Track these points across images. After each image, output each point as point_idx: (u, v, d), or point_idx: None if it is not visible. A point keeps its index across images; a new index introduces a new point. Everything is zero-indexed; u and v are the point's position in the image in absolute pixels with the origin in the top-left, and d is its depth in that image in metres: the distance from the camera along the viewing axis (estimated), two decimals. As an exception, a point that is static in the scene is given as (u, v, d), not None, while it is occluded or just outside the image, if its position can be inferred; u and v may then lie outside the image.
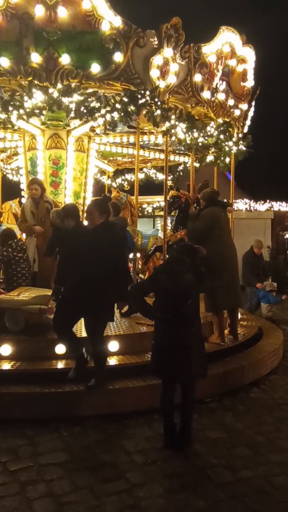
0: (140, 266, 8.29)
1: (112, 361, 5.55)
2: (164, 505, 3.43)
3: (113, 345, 5.71)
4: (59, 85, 5.47)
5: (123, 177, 11.16)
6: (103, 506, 3.39)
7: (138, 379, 5.30)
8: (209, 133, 6.62)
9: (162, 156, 9.53)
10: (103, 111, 5.70)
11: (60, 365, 5.38)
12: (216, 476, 3.87)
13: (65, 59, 5.41)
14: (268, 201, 16.32)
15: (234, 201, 11.03)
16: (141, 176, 10.42)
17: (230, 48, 6.51)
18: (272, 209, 16.29)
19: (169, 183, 10.39)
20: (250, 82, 7.09)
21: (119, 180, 11.17)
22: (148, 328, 6.18)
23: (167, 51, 5.69)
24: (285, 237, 16.13)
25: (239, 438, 4.59)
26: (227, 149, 7.11)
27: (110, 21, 5.38)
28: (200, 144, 6.65)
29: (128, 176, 11.11)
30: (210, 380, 5.61)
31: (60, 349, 5.52)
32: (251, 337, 7.10)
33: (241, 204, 15.89)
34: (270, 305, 9.34)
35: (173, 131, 6.11)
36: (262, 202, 16.29)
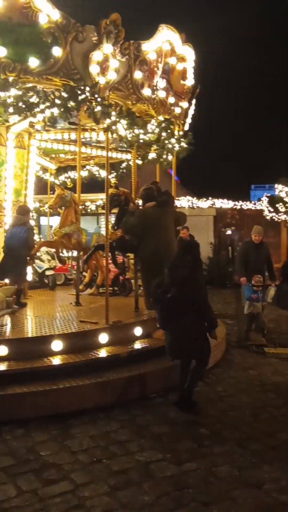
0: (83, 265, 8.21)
1: (56, 360, 5.46)
2: (110, 502, 3.42)
3: (57, 345, 5.62)
4: (-4, 79, 5.29)
5: (66, 175, 10.98)
6: (47, 509, 3.32)
7: (82, 378, 5.25)
8: (150, 130, 6.65)
9: (105, 153, 9.49)
10: (42, 106, 5.58)
11: (2, 367, 5.23)
12: (161, 470, 3.90)
13: (1, 52, 5.24)
14: (210, 198, 16.66)
15: (177, 198, 11.20)
16: (84, 173, 10.31)
17: (170, 46, 6.56)
18: (214, 206, 16.64)
19: (113, 180, 10.38)
20: (190, 81, 7.19)
21: (62, 178, 10.97)
22: (91, 326, 6.15)
23: (107, 47, 5.65)
24: (226, 233, 16.54)
25: (184, 431, 4.66)
26: (169, 146, 7.17)
27: (48, 14, 5.27)
28: (141, 141, 6.66)
29: (71, 174, 10.94)
30: (155, 376, 5.69)
31: (2, 351, 5.37)
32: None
33: (184, 202, 16.12)
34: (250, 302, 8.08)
35: (114, 128, 6.07)
36: (205, 199, 16.61)
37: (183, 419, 4.95)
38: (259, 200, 16.16)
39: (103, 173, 10.67)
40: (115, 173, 10.37)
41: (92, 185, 11.76)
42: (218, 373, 6.47)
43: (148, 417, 4.98)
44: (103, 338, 5.95)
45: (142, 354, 6.00)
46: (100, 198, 13.27)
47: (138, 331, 6.38)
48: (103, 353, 5.77)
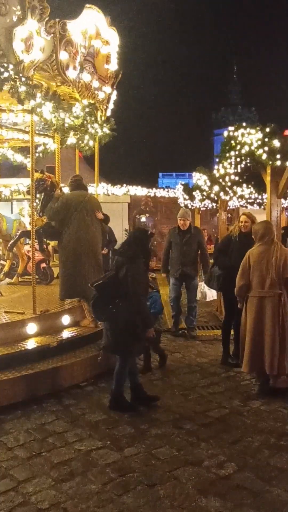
0: (3, 253, 7.84)
1: (-18, 353, 5.19)
2: (56, 495, 3.34)
3: (-19, 338, 5.34)
4: None
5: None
6: (-10, 509, 3.17)
7: (11, 371, 5.05)
8: (75, 114, 6.46)
9: (21, 136, 9.07)
10: None
11: None
12: (103, 457, 3.90)
13: None
14: (125, 185, 16.74)
15: (91, 184, 11.09)
16: (-4, 156, 9.78)
17: (95, 29, 6.40)
18: (128, 193, 16.75)
19: (29, 165, 9.97)
20: (113, 65, 7.08)
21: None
22: (18, 316, 5.92)
23: (32, 23, 5.36)
24: (141, 220, 16.76)
25: (119, 417, 4.68)
26: (92, 132, 7.03)
27: None
28: (66, 125, 6.46)
29: (-19, 157, 10.30)
30: (84, 364, 5.64)
31: None
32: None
33: (99, 188, 16.01)
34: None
35: (39, 110, 5.81)
36: (119, 186, 16.65)
37: (117, 405, 4.97)
38: (167, 187, 16.56)
39: (18, 157, 10.21)
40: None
41: (5, 169, 11.23)
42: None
43: (82, 406, 4.94)
44: (31, 328, 5.76)
45: (71, 343, 5.92)
46: (14, 183, 12.71)
47: (66, 319, 6.26)
48: (32, 343, 5.59)
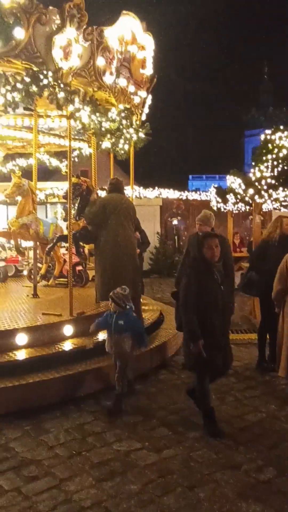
0: (41, 255, 8.00)
1: (21, 354, 5.32)
2: (97, 494, 3.40)
3: (21, 338, 5.47)
4: None
5: (13, 162, 10.60)
6: (35, 506, 3.25)
7: (50, 371, 5.16)
8: (111, 119, 6.56)
9: (57, 141, 9.27)
10: (2, 90, 5.33)
11: None
12: (142, 458, 3.93)
13: None
14: (156, 188, 16.78)
15: (126, 188, 11.18)
16: (33, 161, 10.00)
17: (131, 34, 6.49)
18: (160, 196, 16.78)
19: (64, 169, 10.18)
20: (149, 70, 7.15)
21: (9, 165, 10.58)
22: (55, 318, 6.04)
23: (70, 31, 5.49)
24: (173, 223, 16.78)
25: (157, 419, 4.71)
26: (128, 136, 7.12)
27: (10, -7, 5.03)
28: (103, 129, 6.56)
29: (20, 161, 10.59)
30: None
31: None
32: (154, 321, 7.30)
33: (130, 191, 16.13)
34: None
35: (77, 115, 5.93)
36: (151, 189, 16.71)
37: (154, 407, 5.02)
38: (197, 190, 16.52)
39: (54, 161, 10.43)
40: (66, 162, 10.14)
41: (40, 173, 11.46)
42: (179, 360, 6.59)
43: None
44: (68, 330, 5.86)
45: (107, 345, 5.97)
46: (49, 187, 12.95)
47: (102, 321, 6.33)
48: (69, 345, 5.69)
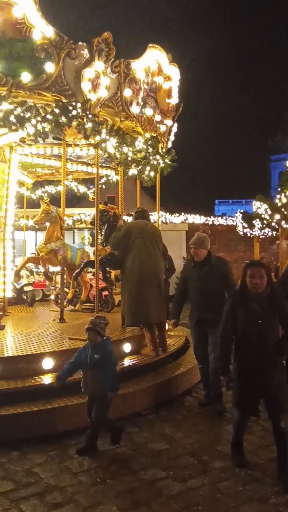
0: (68, 281, 8.12)
1: (47, 379, 5.35)
2: (121, 524, 3.36)
3: (47, 362, 5.52)
4: (-13, 93, 5.24)
5: (43, 189, 10.89)
6: (58, 533, 3.23)
7: (75, 396, 5.16)
8: (137, 147, 6.72)
9: (85, 168, 9.50)
10: (33, 121, 5.54)
11: (-8, 386, 5.08)
12: (167, 488, 3.87)
13: (-7, 66, 5.19)
14: (182, 213, 16.88)
15: (150, 214, 11.30)
16: (61, 188, 10.24)
17: (157, 66, 6.69)
18: (186, 221, 16.86)
19: (91, 195, 10.39)
20: (174, 99, 7.33)
21: (38, 192, 10.87)
22: (81, 343, 6.07)
23: (98, 65, 5.70)
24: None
25: (182, 447, 4.65)
26: (154, 163, 7.25)
27: (42, 30, 5.27)
28: (129, 158, 6.72)
29: (48, 188, 10.87)
30: (145, 392, 5.66)
31: (-9, 369, 5.23)
32: (179, 347, 7.26)
33: (156, 216, 16.29)
34: None
35: (103, 144, 6.10)
36: (177, 214, 16.82)
37: (179, 435, 4.95)
38: (223, 214, 16.50)
39: (81, 188, 10.66)
40: (93, 189, 10.36)
41: (67, 199, 11.72)
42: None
43: (144, 434, 4.95)
44: (94, 355, 5.87)
45: (133, 371, 5.97)
46: (76, 213, 13.20)
47: (127, 347, 6.35)
48: (94, 370, 5.69)
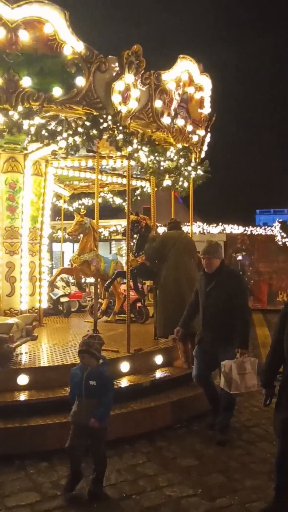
0: (101, 291, 8.17)
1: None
2: None
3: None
4: (20, 108, 5.36)
5: (79, 201, 11.06)
6: None
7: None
8: (169, 158, 6.71)
9: (120, 180, 9.57)
10: (64, 134, 5.63)
11: (23, 396, 5.13)
12: (194, 506, 3.77)
13: (26, 82, 5.32)
14: (220, 223, 16.71)
15: (187, 224, 11.24)
16: (98, 200, 10.37)
17: (188, 76, 6.67)
18: (224, 231, 16.67)
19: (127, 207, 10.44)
20: (207, 109, 7.29)
21: (75, 204, 11.05)
22: (112, 354, 6.06)
23: (129, 77, 5.73)
24: (237, 259, 16.50)
25: (212, 464, 4.52)
26: (186, 173, 7.22)
27: (72, 46, 5.37)
28: (161, 168, 6.71)
29: (85, 200, 11.03)
30: (177, 406, 5.56)
31: (22, 380, 5.28)
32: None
33: (194, 227, 16.18)
34: None
35: (135, 155, 6.12)
36: (215, 225, 16.66)
37: (210, 451, 4.82)
38: (264, 224, 16.21)
39: (117, 200, 10.75)
40: (128, 200, 10.42)
41: (104, 211, 11.85)
42: (239, 402, 6.30)
43: (174, 449, 4.85)
44: (125, 366, 5.85)
45: (164, 383, 5.89)
46: (113, 224, 13.31)
47: (159, 359, 6.28)
48: (125, 382, 5.66)
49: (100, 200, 10.51)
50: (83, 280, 9.24)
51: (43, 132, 5.60)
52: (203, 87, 7.02)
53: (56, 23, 5.29)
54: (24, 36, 5.22)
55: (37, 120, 5.51)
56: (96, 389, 3.85)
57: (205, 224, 16.72)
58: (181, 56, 6.52)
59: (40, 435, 4.75)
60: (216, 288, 4.97)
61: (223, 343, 4.89)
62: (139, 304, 8.21)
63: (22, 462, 4.44)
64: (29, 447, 4.65)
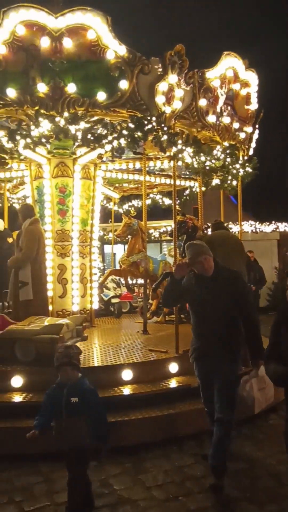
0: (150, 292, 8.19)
1: (126, 390, 5.41)
2: None
3: (126, 374, 5.58)
4: (66, 114, 5.50)
5: (129, 203, 11.18)
6: None
7: (153, 409, 5.15)
8: (215, 157, 6.63)
9: (168, 181, 9.57)
10: (110, 138, 5.72)
11: (73, 396, 5.24)
12: (241, 510, 3.69)
13: (71, 88, 5.45)
14: (273, 222, 16.28)
15: (236, 223, 11.05)
16: (147, 201, 10.43)
17: (233, 73, 6.57)
18: (278, 230, 16.23)
19: (177, 207, 10.42)
20: (254, 105, 7.14)
21: (125, 206, 11.18)
22: (161, 355, 6.07)
23: (172, 78, 5.73)
24: (291, 257, 16.01)
25: (261, 468, 4.41)
26: (234, 172, 7.10)
27: (115, 50, 5.44)
28: (207, 167, 6.65)
29: (135, 202, 11.12)
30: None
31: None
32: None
33: (246, 226, 15.86)
34: None
35: (180, 155, 6.10)
36: (268, 223, 16.25)
37: (259, 454, 4.70)
38: None
39: (166, 201, 10.76)
40: (178, 200, 10.39)
41: (155, 212, 11.90)
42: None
43: (223, 452, 4.76)
44: (173, 367, 5.84)
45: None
46: (163, 225, 13.33)
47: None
48: (173, 383, 5.65)
49: (149, 201, 10.59)
50: (130, 281, 9.33)
51: (89, 136, 5.71)
52: (249, 83, 6.89)
53: (99, 28, 5.38)
54: (68, 44, 5.35)
55: (83, 125, 5.63)
56: (79, 406, 3.42)
57: (258, 222, 16.34)
58: (225, 52, 6.43)
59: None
60: (216, 289, 4.10)
61: (222, 361, 4.05)
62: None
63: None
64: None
